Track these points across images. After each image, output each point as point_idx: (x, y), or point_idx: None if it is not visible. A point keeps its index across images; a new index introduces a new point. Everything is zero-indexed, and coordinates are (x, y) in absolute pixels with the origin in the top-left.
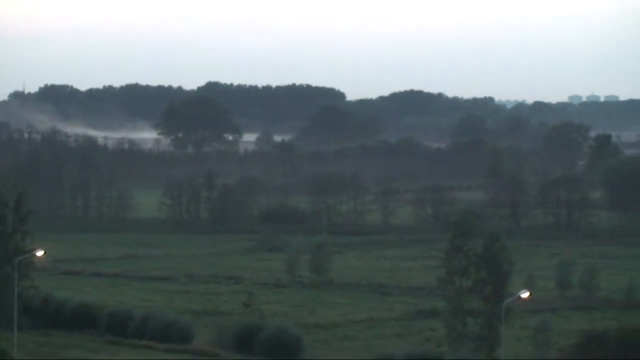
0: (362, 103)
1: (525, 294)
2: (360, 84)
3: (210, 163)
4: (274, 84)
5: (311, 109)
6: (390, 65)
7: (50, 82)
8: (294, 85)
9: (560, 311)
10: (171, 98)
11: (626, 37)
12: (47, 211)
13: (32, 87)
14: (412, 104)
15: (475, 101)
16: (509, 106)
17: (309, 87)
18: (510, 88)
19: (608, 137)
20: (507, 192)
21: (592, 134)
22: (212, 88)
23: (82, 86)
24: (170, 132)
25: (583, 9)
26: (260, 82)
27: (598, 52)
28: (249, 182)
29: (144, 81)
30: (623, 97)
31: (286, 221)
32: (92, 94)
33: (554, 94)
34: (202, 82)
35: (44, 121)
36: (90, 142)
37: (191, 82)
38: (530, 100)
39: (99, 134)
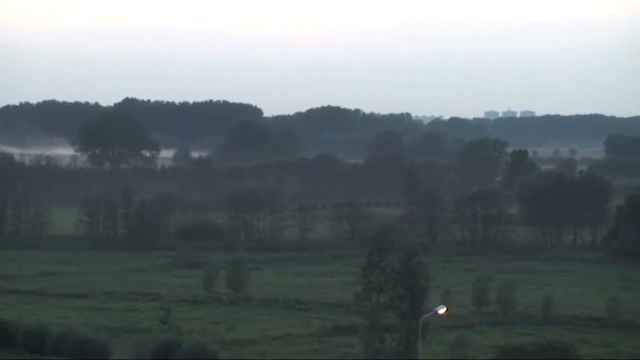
0: (280, 119)
1: (442, 310)
2: (278, 101)
3: (127, 179)
4: (191, 100)
5: (229, 126)
6: (307, 81)
7: None
8: (211, 101)
9: (477, 327)
10: (88, 114)
11: (542, 53)
12: None
13: None
14: (329, 120)
15: (392, 117)
16: (425, 122)
17: (226, 103)
18: (427, 104)
19: (524, 152)
20: (424, 207)
21: (509, 149)
22: (129, 104)
23: None
24: (87, 148)
25: (497, 26)
26: (178, 98)
27: (514, 67)
28: (166, 198)
29: (60, 98)
30: (539, 112)
31: (203, 237)
32: (9, 110)
33: (471, 109)
34: (119, 99)
35: None
36: (7, 159)
37: (108, 98)
38: (446, 115)
39: (15, 151)
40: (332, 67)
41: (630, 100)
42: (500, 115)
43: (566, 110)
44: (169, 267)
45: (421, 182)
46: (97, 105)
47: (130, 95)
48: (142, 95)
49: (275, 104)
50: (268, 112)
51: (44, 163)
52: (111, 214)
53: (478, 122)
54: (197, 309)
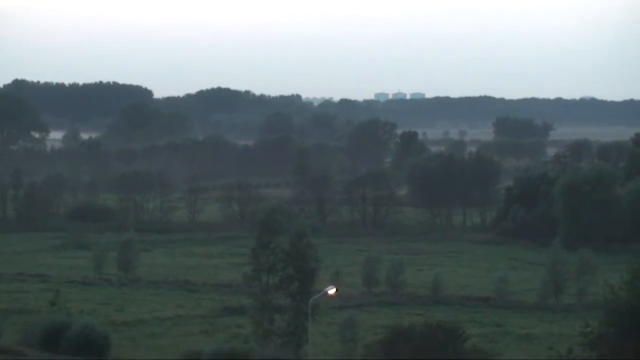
0: (170, 101)
1: (332, 291)
2: (168, 82)
3: (16, 161)
4: (80, 81)
5: (118, 107)
6: (197, 63)
7: None
8: (100, 83)
9: (366, 307)
10: None
11: (431, 35)
12: None
13: None
14: (220, 102)
15: (282, 98)
16: (316, 103)
17: (115, 84)
18: (317, 85)
19: (414, 134)
20: (313, 189)
21: (398, 131)
22: (19, 86)
23: None
24: None
25: (387, 8)
26: (67, 80)
27: (404, 50)
28: (55, 179)
29: None
30: (429, 94)
31: (93, 219)
32: None
33: (361, 91)
34: (8, 80)
35: None
36: None
37: None
38: (337, 97)
39: None
40: (222, 48)
41: (519, 82)
42: (390, 97)
43: (456, 92)
44: (59, 249)
45: (311, 163)
46: None
47: (20, 76)
48: (31, 76)
49: (165, 85)
50: (158, 93)
51: None
52: (0, 195)
53: (368, 104)
54: (86, 290)
